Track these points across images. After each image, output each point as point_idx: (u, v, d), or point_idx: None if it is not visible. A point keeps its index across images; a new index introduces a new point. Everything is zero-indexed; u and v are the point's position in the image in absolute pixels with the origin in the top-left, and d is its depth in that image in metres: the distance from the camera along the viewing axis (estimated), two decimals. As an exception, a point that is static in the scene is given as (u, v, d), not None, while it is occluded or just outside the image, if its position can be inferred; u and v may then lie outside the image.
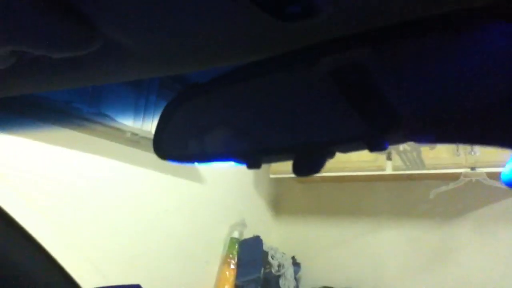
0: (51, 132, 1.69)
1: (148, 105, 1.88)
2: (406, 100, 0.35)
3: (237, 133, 0.48)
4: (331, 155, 0.37)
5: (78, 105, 1.64)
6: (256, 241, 2.61)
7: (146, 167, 2.05)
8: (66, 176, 1.76)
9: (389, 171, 2.37)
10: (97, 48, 0.36)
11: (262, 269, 2.51)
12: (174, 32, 0.37)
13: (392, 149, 2.22)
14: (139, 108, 1.88)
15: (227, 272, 2.45)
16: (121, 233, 1.96)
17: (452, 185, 2.25)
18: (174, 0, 0.32)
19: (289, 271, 2.63)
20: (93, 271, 1.74)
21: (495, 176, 2.15)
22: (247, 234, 2.65)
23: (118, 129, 1.84)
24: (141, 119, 1.90)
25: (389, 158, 2.36)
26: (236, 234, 2.59)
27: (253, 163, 0.42)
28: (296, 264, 2.74)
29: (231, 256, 2.50)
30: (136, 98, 1.87)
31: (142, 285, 0.87)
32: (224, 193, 2.59)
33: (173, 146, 0.51)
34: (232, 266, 2.47)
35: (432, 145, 2.04)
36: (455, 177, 2.22)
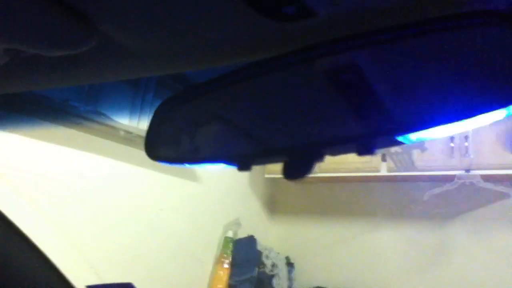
0: (47, 130, 1.69)
1: (144, 104, 1.88)
2: (400, 100, 0.36)
3: (228, 136, 0.48)
4: (321, 158, 0.37)
5: (75, 103, 1.64)
6: (251, 240, 2.61)
7: (142, 166, 2.04)
8: (63, 174, 1.76)
9: (383, 172, 2.38)
10: (96, 46, 0.36)
11: (256, 268, 2.52)
12: (173, 32, 0.37)
13: (385, 150, 2.23)
14: (136, 106, 1.88)
15: (221, 272, 2.45)
16: (115, 231, 1.95)
17: (446, 187, 2.26)
18: (174, 0, 0.32)
19: (282, 271, 2.63)
20: (87, 270, 1.74)
21: (489, 178, 2.17)
22: (242, 234, 2.65)
23: (113, 127, 1.83)
24: (137, 117, 1.90)
25: (383, 159, 2.37)
26: (230, 234, 2.59)
27: (243, 166, 0.42)
28: (290, 264, 2.74)
29: (225, 255, 2.50)
30: (133, 97, 1.86)
31: (136, 283, 0.86)
32: (219, 192, 2.59)
33: (164, 148, 0.51)
34: (226, 266, 2.47)
35: (423, 149, 2.05)
36: (449, 179, 2.23)
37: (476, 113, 0.31)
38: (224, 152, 0.47)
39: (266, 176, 2.72)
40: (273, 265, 2.59)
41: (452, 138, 2.17)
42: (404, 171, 2.31)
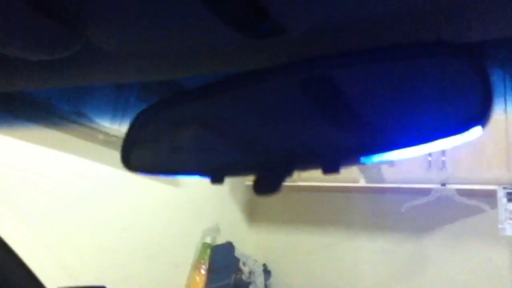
0: (27, 129, 1.66)
1: (127, 107, 1.86)
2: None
3: (203, 148, 0.49)
4: (290, 174, 0.39)
5: (57, 102, 1.61)
6: (228, 247, 2.60)
7: (121, 168, 2.02)
8: (37, 174, 1.72)
9: (362, 183, 2.41)
10: (79, 51, 0.36)
11: (233, 275, 2.51)
12: (153, 41, 0.38)
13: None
14: (118, 108, 1.86)
15: (197, 277, 2.44)
16: (92, 234, 1.93)
17: (423, 200, 2.30)
18: (159, 12, 0.33)
19: (259, 278, 2.63)
20: (61, 271, 1.71)
21: (465, 192, 2.22)
22: (220, 240, 2.64)
23: (93, 129, 1.81)
24: (119, 120, 1.87)
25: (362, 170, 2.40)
26: (208, 240, 2.57)
27: (216, 178, 0.43)
28: (266, 272, 2.74)
29: (202, 261, 2.48)
30: (116, 99, 1.84)
31: (110, 286, 0.85)
32: (198, 197, 2.58)
33: (140, 158, 0.51)
34: (203, 271, 2.46)
35: (391, 164, 2.10)
36: (426, 192, 2.28)
37: (435, 138, 0.33)
38: (198, 164, 0.48)
39: (247, 183, 2.72)
40: (250, 272, 2.59)
41: (430, 152, 2.21)
42: (374, 183, 2.35)
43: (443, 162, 2.19)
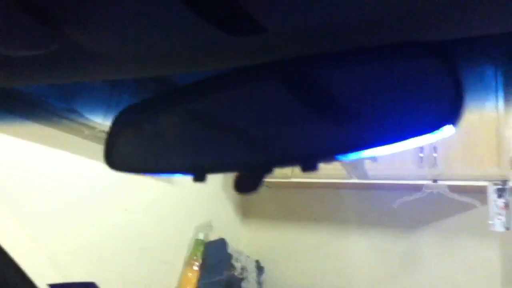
0: (18, 126, 1.64)
1: (120, 103, 1.85)
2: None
3: (185, 148, 0.49)
4: (269, 172, 0.40)
5: (49, 99, 1.60)
6: (221, 243, 2.61)
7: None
8: (25, 169, 1.71)
9: (355, 179, 2.41)
10: (60, 48, 0.37)
11: (226, 271, 2.51)
12: (132, 38, 0.39)
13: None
14: (111, 105, 1.85)
15: (190, 274, 2.44)
16: (84, 231, 1.92)
17: (415, 196, 2.32)
18: (141, 13, 0.34)
19: (252, 274, 2.63)
20: (49, 267, 1.70)
21: (456, 189, 2.24)
22: (213, 237, 2.64)
23: (84, 125, 1.80)
24: (112, 117, 1.86)
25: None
26: (201, 236, 2.57)
27: (199, 176, 0.44)
28: (259, 268, 2.75)
29: (195, 257, 2.49)
30: (109, 96, 1.83)
31: (101, 283, 0.85)
32: (191, 194, 2.58)
33: (123, 157, 0.52)
34: (196, 268, 2.46)
35: (374, 159, 2.12)
36: (418, 188, 2.29)
37: (409, 137, 0.34)
38: (180, 162, 0.49)
39: (240, 179, 2.71)
40: (243, 269, 2.59)
41: (421, 149, 2.23)
42: (359, 179, 2.37)
43: (435, 158, 2.20)
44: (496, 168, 2.08)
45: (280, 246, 2.90)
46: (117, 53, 0.41)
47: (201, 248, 2.52)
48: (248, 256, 2.71)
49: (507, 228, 2.04)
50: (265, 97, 0.42)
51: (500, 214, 2.06)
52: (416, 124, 0.34)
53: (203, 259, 2.49)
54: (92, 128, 1.81)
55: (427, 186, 2.26)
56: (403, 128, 0.35)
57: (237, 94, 0.42)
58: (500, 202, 2.07)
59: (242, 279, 2.55)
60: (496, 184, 2.09)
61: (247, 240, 2.96)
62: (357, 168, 2.16)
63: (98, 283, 0.86)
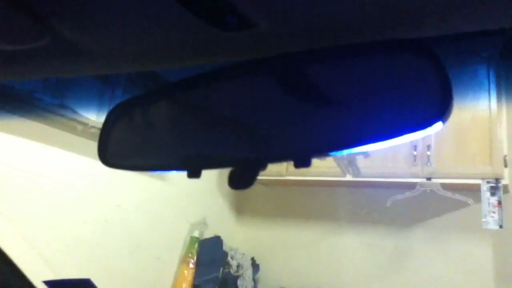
0: (8, 121, 1.63)
1: (113, 100, 1.85)
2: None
3: (179, 143, 0.49)
4: (263, 168, 0.41)
5: (39, 95, 1.59)
6: (216, 241, 2.61)
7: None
8: (17, 166, 1.70)
9: (348, 177, 2.43)
10: (50, 43, 0.37)
11: (221, 269, 2.51)
12: (123, 34, 0.39)
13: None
14: (104, 102, 1.84)
15: (185, 271, 2.44)
16: (77, 228, 1.91)
17: (407, 194, 2.34)
18: (124, 5, 0.34)
19: (247, 272, 2.64)
20: (44, 265, 1.69)
21: (449, 187, 2.25)
22: (208, 234, 2.64)
23: (76, 121, 1.79)
24: (105, 113, 1.86)
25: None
26: (196, 233, 2.58)
27: (193, 172, 0.44)
28: (255, 265, 2.76)
29: (190, 255, 2.49)
30: (102, 92, 1.83)
31: (96, 281, 0.85)
32: (186, 191, 2.58)
33: (117, 155, 0.52)
34: (191, 266, 2.46)
35: (366, 155, 2.13)
36: (411, 186, 2.31)
37: (400, 134, 0.35)
38: (174, 159, 0.49)
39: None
40: (238, 266, 2.60)
41: (415, 147, 2.24)
42: (352, 176, 2.38)
43: (428, 156, 2.22)
44: (489, 166, 2.10)
45: (275, 244, 2.91)
46: (109, 49, 0.42)
47: (196, 246, 2.53)
48: (243, 254, 2.72)
49: (500, 226, 2.06)
50: (259, 93, 0.42)
51: (493, 212, 2.08)
52: (406, 120, 0.35)
53: (198, 257, 2.49)
54: (85, 124, 1.81)
55: (420, 184, 2.27)
56: (393, 124, 0.35)
57: (230, 90, 0.43)
58: (493, 200, 2.08)
59: (237, 277, 2.56)
60: (489, 182, 2.10)
61: (242, 238, 2.96)
62: (350, 165, 2.17)
63: (91, 280, 0.86)
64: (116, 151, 0.52)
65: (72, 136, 1.85)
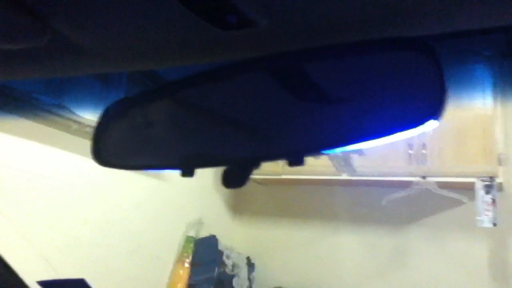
0: (5, 120, 1.62)
1: (109, 99, 1.84)
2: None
3: (173, 142, 0.49)
4: (256, 167, 0.41)
5: (38, 95, 1.58)
6: (212, 240, 2.61)
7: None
8: (16, 167, 1.69)
9: (344, 176, 2.43)
10: (50, 42, 0.37)
11: (217, 268, 2.51)
12: (123, 33, 0.39)
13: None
14: (104, 102, 1.83)
15: (181, 271, 2.44)
16: (74, 227, 1.91)
17: (403, 193, 2.34)
18: (124, 3, 0.34)
19: (243, 271, 2.64)
20: (43, 264, 1.69)
21: (444, 185, 2.26)
22: (204, 233, 2.64)
23: (74, 121, 1.79)
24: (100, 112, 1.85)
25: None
26: (192, 233, 2.57)
27: (186, 171, 0.44)
28: (250, 265, 2.76)
29: (186, 254, 2.48)
30: (101, 92, 1.82)
31: (92, 279, 0.85)
32: (182, 191, 2.58)
33: (111, 153, 0.52)
34: (187, 265, 2.46)
35: (361, 153, 2.14)
36: (407, 185, 2.32)
37: (394, 131, 0.35)
38: (168, 158, 0.49)
39: (230, 176, 2.71)
40: (234, 265, 2.60)
41: (410, 146, 2.25)
42: (347, 174, 2.39)
43: (424, 155, 2.22)
44: (484, 165, 2.11)
45: (271, 243, 2.91)
46: (109, 48, 0.42)
47: (192, 245, 2.52)
48: (239, 253, 2.72)
49: (495, 224, 2.07)
50: (256, 92, 0.42)
51: (488, 210, 2.09)
52: (401, 118, 0.35)
53: (194, 256, 2.49)
54: (80, 123, 1.80)
55: (416, 183, 2.28)
56: (388, 122, 0.35)
57: (228, 89, 0.43)
58: (488, 198, 2.10)
59: (233, 276, 2.56)
60: (484, 181, 2.11)
61: (238, 237, 2.96)
62: (346, 163, 2.17)
63: (88, 279, 0.86)
64: (110, 150, 0.52)
65: (72, 136, 1.84)
